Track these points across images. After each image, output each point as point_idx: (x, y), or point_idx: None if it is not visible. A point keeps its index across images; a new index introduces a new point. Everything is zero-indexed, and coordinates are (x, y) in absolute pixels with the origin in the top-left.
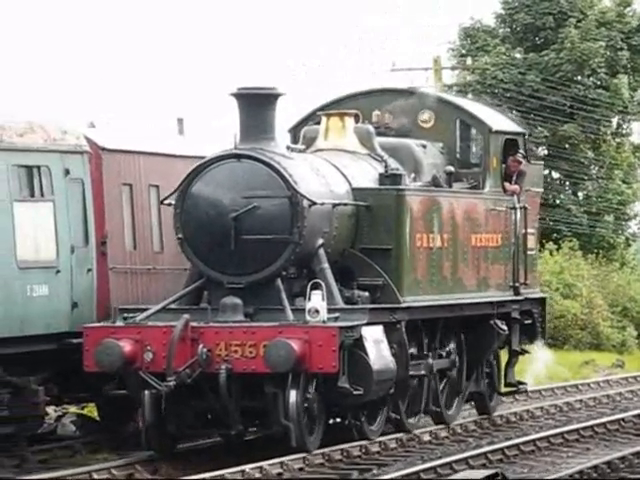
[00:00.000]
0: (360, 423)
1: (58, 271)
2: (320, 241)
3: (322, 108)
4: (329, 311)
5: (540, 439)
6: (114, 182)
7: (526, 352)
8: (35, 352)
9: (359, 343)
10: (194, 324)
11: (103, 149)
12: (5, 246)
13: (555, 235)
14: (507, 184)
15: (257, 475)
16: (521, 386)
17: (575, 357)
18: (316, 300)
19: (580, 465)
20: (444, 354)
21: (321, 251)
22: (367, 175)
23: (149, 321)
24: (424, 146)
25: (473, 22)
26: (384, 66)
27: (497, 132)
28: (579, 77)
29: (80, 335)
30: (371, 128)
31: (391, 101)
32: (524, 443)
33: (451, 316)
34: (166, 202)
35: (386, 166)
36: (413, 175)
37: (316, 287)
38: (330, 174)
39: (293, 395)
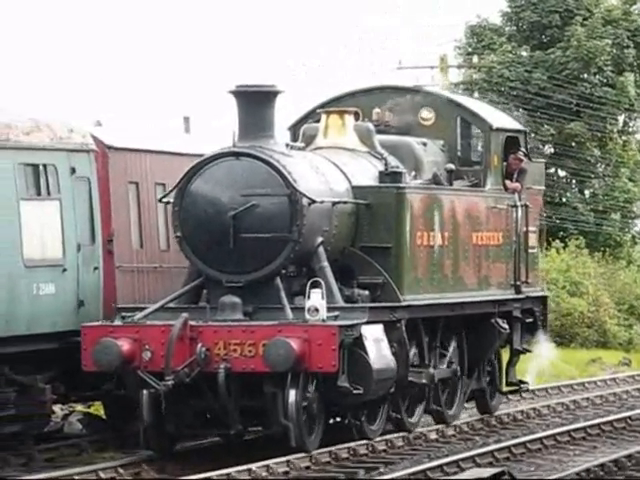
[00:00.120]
0: (360, 422)
1: (64, 269)
2: (320, 239)
3: (322, 106)
4: (329, 310)
5: (547, 437)
6: (120, 180)
7: (528, 351)
8: (41, 351)
9: (359, 342)
10: (193, 323)
11: (109, 147)
12: (12, 245)
13: (561, 233)
14: (508, 182)
15: (264, 474)
16: (522, 385)
17: (582, 355)
18: (315, 299)
19: (587, 463)
20: (445, 359)
21: (321, 249)
22: (367, 173)
23: (147, 320)
24: (424, 144)
25: (479, 20)
26: (385, 66)
27: (498, 130)
28: (585, 75)
29: None
30: (371, 126)
31: (391, 99)
32: (531, 441)
33: (452, 315)
34: (165, 200)
35: (386, 164)
36: (413, 173)
37: (315, 286)
38: (330, 172)
39: (292, 394)
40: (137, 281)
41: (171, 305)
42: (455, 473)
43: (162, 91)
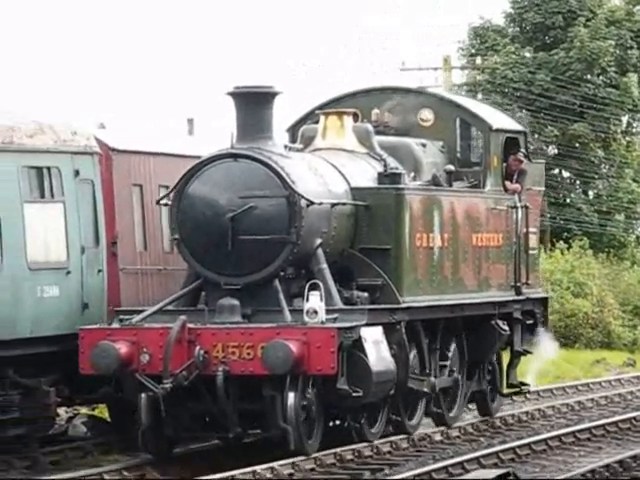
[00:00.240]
0: (360, 425)
1: (68, 272)
2: (318, 241)
3: (321, 107)
4: (328, 312)
5: (552, 438)
6: (124, 183)
7: (528, 352)
8: (46, 353)
9: (358, 344)
10: (191, 325)
11: (113, 150)
12: (16, 247)
13: (566, 234)
14: (508, 183)
15: (268, 475)
16: (523, 387)
17: (586, 356)
18: (314, 301)
19: (592, 464)
20: (446, 365)
21: (319, 251)
22: (366, 174)
23: (145, 323)
24: (424, 145)
25: (483, 22)
26: (385, 66)
27: (498, 130)
28: (589, 76)
29: None
30: (370, 127)
31: (390, 100)
32: (536, 442)
33: (452, 316)
34: (162, 202)
35: (385, 165)
36: (413, 174)
37: (314, 288)
38: (328, 173)
39: (291, 397)
40: (141, 283)
41: (169, 308)
42: (460, 474)
43: (165, 93)
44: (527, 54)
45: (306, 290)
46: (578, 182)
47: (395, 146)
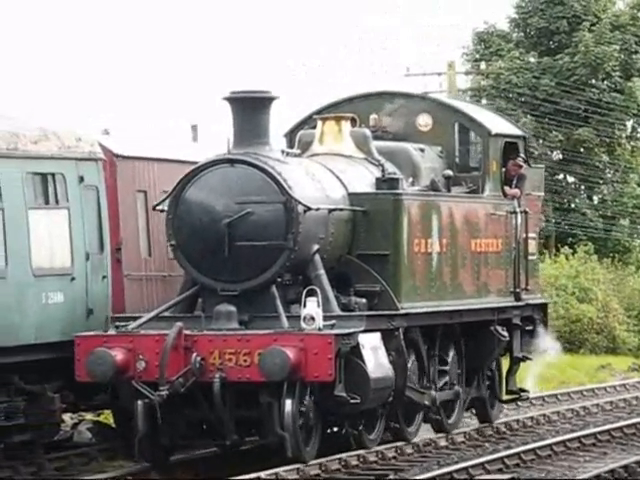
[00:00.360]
0: (358, 432)
1: (73, 278)
2: (316, 247)
3: (318, 112)
4: (325, 318)
5: (557, 443)
6: (128, 189)
7: (528, 359)
8: (51, 359)
9: (356, 351)
10: (187, 332)
11: (117, 156)
12: (20, 253)
13: (570, 239)
14: (507, 188)
15: None
16: (523, 394)
17: (591, 361)
18: (311, 307)
19: (597, 469)
20: (445, 374)
21: (317, 257)
22: (364, 180)
23: (142, 329)
24: (422, 150)
25: (487, 27)
26: (386, 66)
27: (496, 135)
28: (593, 81)
29: None
30: (368, 132)
31: (389, 104)
32: (541, 448)
33: (450, 323)
34: (158, 208)
35: (383, 170)
36: (411, 179)
37: (311, 294)
38: (326, 179)
39: (288, 404)
40: (145, 289)
41: (166, 314)
42: None
43: (169, 99)
44: (531, 59)
45: (303, 296)
46: (583, 187)
47: (393, 151)
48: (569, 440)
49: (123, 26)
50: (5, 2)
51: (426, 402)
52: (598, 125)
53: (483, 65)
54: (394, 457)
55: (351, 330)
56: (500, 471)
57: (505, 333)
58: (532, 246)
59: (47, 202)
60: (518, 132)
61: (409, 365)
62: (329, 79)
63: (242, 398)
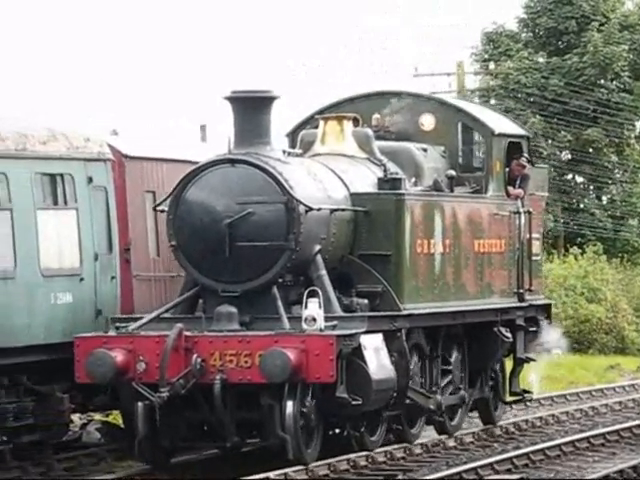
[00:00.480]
0: (360, 434)
1: (82, 279)
2: (317, 247)
3: (321, 112)
4: (326, 319)
5: (565, 444)
6: (137, 189)
7: (532, 360)
8: (59, 360)
9: (358, 352)
10: (188, 333)
11: (126, 156)
12: (29, 254)
13: (579, 239)
14: (511, 188)
15: None
16: (526, 395)
17: (600, 361)
18: (313, 308)
19: (606, 470)
20: (448, 375)
21: (318, 258)
22: (366, 180)
23: (142, 330)
24: (425, 150)
25: (496, 27)
26: (386, 66)
27: (500, 135)
28: (602, 81)
29: None
30: (370, 132)
31: (391, 104)
32: (549, 448)
33: (453, 324)
34: (159, 208)
35: (385, 170)
36: (414, 179)
37: (313, 295)
38: (327, 179)
39: (290, 406)
40: (154, 290)
41: (166, 315)
42: None
43: (178, 99)
44: (540, 59)
45: (304, 297)
46: (592, 187)
47: (396, 151)
48: (578, 440)
49: (130, 27)
50: (15, 3)
51: (431, 406)
52: (607, 125)
53: (492, 65)
54: (403, 457)
55: (353, 331)
56: (509, 471)
57: (508, 334)
58: (536, 246)
59: (56, 203)
60: (522, 132)
61: (412, 366)
62: (329, 79)
63: (243, 400)
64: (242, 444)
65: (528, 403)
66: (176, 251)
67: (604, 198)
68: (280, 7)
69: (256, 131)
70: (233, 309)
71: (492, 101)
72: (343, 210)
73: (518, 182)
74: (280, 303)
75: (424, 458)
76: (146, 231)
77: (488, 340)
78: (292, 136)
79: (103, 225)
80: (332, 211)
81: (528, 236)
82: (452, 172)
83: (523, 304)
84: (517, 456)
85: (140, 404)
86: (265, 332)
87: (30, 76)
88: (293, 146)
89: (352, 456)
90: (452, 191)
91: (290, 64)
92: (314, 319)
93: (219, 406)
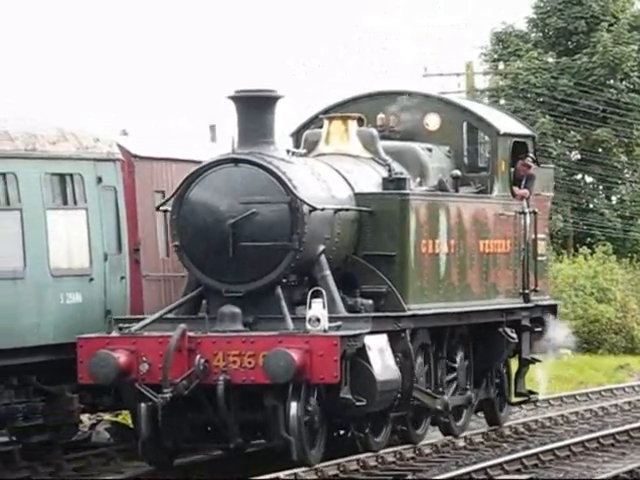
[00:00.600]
0: (364, 435)
1: (91, 279)
2: (321, 248)
3: (325, 111)
4: (331, 320)
5: (575, 444)
6: (147, 189)
7: (537, 361)
8: (69, 360)
9: (362, 352)
10: (191, 334)
11: (135, 156)
12: (38, 254)
13: (589, 239)
14: (516, 188)
15: None
16: (532, 396)
17: (610, 361)
18: (317, 308)
19: (615, 470)
20: (453, 374)
21: (322, 258)
22: (370, 180)
23: (145, 331)
24: (430, 150)
25: (505, 27)
26: (385, 67)
27: (505, 135)
28: (612, 81)
29: None
30: (374, 132)
31: (396, 104)
32: (559, 448)
33: (459, 324)
34: (162, 208)
35: (390, 170)
36: (418, 179)
37: (317, 295)
38: (332, 179)
39: (294, 407)
40: (164, 290)
41: (169, 316)
42: None
43: (188, 99)
44: (550, 59)
45: (308, 297)
46: (601, 187)
47: (400, 151)
48: (587, 441)
49: (139, 27)
50: (25, 3)
51: (438, 407)
52: (616, 125)
53: (501, 65)
54: (412, 457)
55: (357, 332)
56: (518, 471)
57: (514, 335)
58: (541, 247)
59: (65, 203)
60: (527, 131)
61: (417, 367)
62: (329, 79)
63: (246, 401)
64: (246, 445)
65: (538, 403)
66: (179, 251)
67: (614, 198)
68: (280, 7)
69: (260, 131)
70: (237, 309)
71: (501, 101)
72: (347, 210)
73: (524, 182)
74: (284, 303)
75: (434, 458)
76: (155, 231)
77: (493, 341)
78: (296, 136)
79: (112, 225)
80: (336, 211)
81: (534, 236)
82: (457, 172)
83: (529, 304)
84: (527, 456)
85: (143, 405)
86: (269, 332)
87: (39, 76)
88: (297, 146)
89: (362, 456)
90: (457, 191)
91: (290, 64)
92: (318, 319)
93: (222, 407)
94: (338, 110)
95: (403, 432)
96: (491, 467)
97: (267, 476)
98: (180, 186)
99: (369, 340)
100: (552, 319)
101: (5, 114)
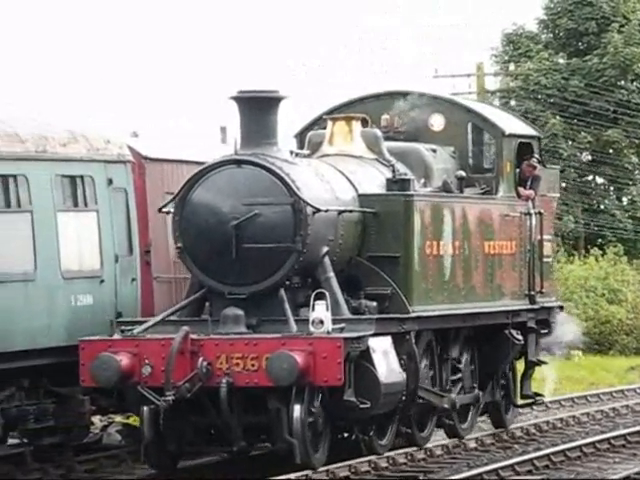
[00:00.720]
0: (369, 437)
1: (102, 281)
2: (325, 249)
3: (330, 112)
4: (334, 321)
5: (586, 445)
6: (157, 191)
7: (543, 363)
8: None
9: (366, 355)
10: (194, 336)
11: (146, 158)
12: (49, 256)
13: (600, 240)
14: (521, 189)
15: None
16: (538, 398)
17: (621, 362)
18: (320, 310)
19: (627, 471)
20: (458, 375)
21: (326, 260)
22: (374, 181)
23: (147, 334)
24: (434, 150)
25: (516, 28)
26: (385, 67)
27: (510, 135)
28: (622, 82)
29: None
30: (379, 132)
31: (401, 104)
32: (570, 449)
33: (464, 326)
34: (165, 210)
35: (394, 171)
36: (423, 180)
37: (320, 297)
38: (335, 180)
39: (297, 410)
40: (174, 292)
41: (172, 318)
42: None
43: (199, 100)
44: (560, 60)
45: (312, 299)
46: (612, 188)
47: (405, 152)
48: (599, 441)
49: (148, 29)
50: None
51: (446, 405)
52: (627, 126)
53: (512, 66)
54: (423, 459)
55: (361, 334)
56: (530, 473)
57: (520, 337)
58: (547, 248)
59: (76, 204)
60: (532, 132)
61: (422, 369)
62: (329, 79)
63: (250, 403)
64: (249, 448)
65: (549, 404)
66: (182, 253)
67: (624, 199)
68: (280, 7)
69: (263, 132)
70: (240, 312)
71: (512, 102)
72: (351, 211)
73: (529, 183)
74: (287, 305)
75: (445, 459)
76: (166, 233)
77: (499, 343)
78: (300, 137)
79: (123, 227)
80: (340, 212)
81: (539, 237)
82: (462, 173)
83: (534, 306)
84: (538, 457)
85: (146, 408)
86: (272, 335)
87: (49, 78)
88: (301, 147)
89: (373, 457)
90: (462, 192)
91: (290, 64)
92: (322, 321)
93: (225, 410)
94: (342, 110)
95: (408, 435)
96: (502, 468)
97: (280, 477)
98: (182, 187)
99: (373, 342)
100: (559, 319)
101: (15, 115)
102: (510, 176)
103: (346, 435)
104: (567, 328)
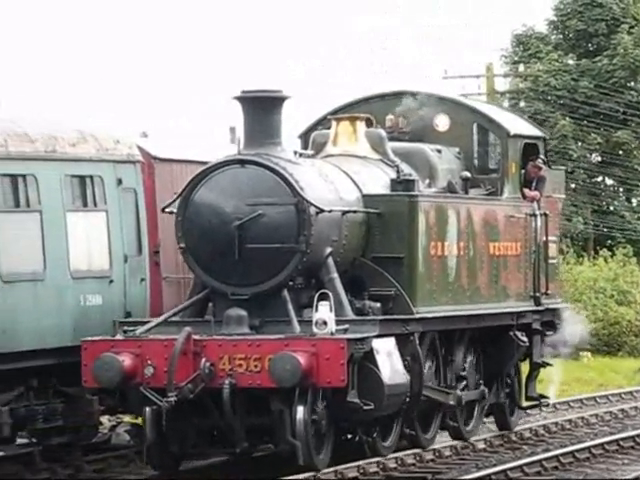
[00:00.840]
0: (372, 439)
1: (111, 281)
2: (328, 250)
3: (334, 112)
4: (338, 323)
5: (595, 446)
6: (167, 191)
7: (548, 364)
8: None
9: (370, 356)
10: (196, 337)
11: (155, 158)
12: (58, 256)
13: (609, 242)
14: (527, 190)
15: None
16: (543, 400)
17: (630, 364)
18: (324, 311)
19: (635, 472)
20: (463, 376)
21: (330, 260)
22: (379, 181)
23: (150, 334)
24: (439, 151)
25: (526, 29)
26: (385, 67)
27: (515, 136)
28: (632, 83)
29: None
30: (383, 133)
31: (405, 105)
32: (579, 450)
33: (468, 327)
34: (167, 210)
35: (398, 171)
36: (427, 181)
37: (324, 298)
38: (339, 180)
39: (300, 411)
40: (183, 292)
41: (175, 319)
42: None
43: (208, 100)
44: (570, 61)
45: (315, 300)
46: (622, 190)
47: (409, 152)
48: (607, 443)
49: (155, 29)
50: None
51: (451, 402)
52: (637, 127)
53: (521, 67)
54: (432, 460)
55: (364, 335)
56: (538, 474)
57: (525, 338)
58: (552, 249)
59: (85, 204)
60: (538, 133)
61: (426, 370)
62: (329, 79)
63: (252, 405)
64: (252, 450)
65: (558, 406)
66: (185, 253)
67: (634, 200)
68: (280, 7)
69: (266, 132)
70: (243, 312)
71: (522, 103)
72: (355, 212)
73: (534, 184)
74: (291, 306)
75: (453, 460)
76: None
77: (504, 344)
78: (304, 137)
79: (132, 227)
80: (344, 213)
81: (544, 239)
82: (467, 173)
83: (539, 308)
84: (546, 459)
85: (148, 409)
86: (275, 336)
87: (59, 78)
88: (305, 147)
89: (381, 458)
90: (467, 193)
91: (290, 64)
92: (325, 322)
93: (228, 411)
94: (347, 111)
95: (411, 436)
96: (511, 469)
97: (288, 477)
98: (186, 187)
99: (377, 343)
100: (566, 319)
101: (25, 115)
102: (515, 177)
103: (349, 437)
104: (574, 329)
